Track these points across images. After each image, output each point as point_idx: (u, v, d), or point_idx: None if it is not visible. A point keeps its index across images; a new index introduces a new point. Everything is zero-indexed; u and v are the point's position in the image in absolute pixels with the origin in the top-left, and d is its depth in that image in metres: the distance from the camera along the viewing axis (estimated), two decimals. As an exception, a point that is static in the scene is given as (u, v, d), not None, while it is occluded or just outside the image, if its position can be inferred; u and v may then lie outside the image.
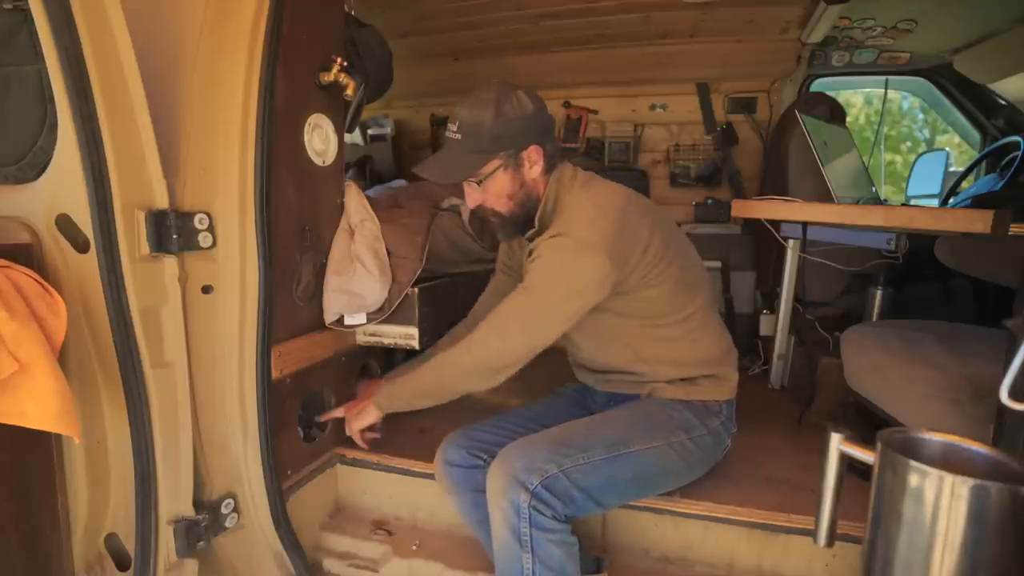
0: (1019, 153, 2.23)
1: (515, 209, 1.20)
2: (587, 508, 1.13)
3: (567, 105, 2.93)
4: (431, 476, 1.34)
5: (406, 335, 1.57)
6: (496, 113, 1.12)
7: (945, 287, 2.21)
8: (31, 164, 1.02)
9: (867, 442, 0.71)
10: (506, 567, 1.08)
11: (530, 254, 1.21)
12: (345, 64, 1.40)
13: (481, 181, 1.17)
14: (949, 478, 0.60)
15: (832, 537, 0.77)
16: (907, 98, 5.40)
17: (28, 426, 0.84)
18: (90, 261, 0.96)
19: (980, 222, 1.06)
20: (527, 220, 1.23)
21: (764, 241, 2.28)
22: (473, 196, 1.20)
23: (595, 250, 1.10)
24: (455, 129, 1.15)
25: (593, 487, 1.09)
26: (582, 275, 1.11)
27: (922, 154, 3.00)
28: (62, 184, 0.95)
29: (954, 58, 2.56)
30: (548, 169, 1.20)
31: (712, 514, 1.28)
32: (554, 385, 1.48)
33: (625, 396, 1.29)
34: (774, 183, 2.35)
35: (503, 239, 1.30)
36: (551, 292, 1.13)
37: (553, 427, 1.19)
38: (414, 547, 1.42)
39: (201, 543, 1.15)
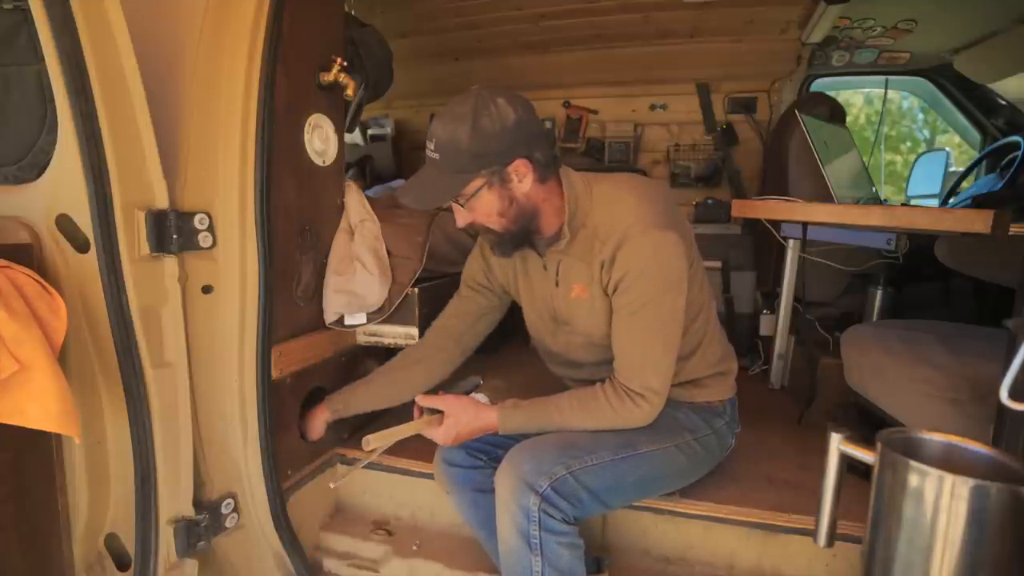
0: (1019, 153, 2.22)
1: (509, 226, 1.11)
2: (593, 509, 1.12)
3: (567, 105, 2.93)
4: (431, 476, 1.33)
5: (406, 335, 1.57)
6: (472, 128, 0.99)
7: (945, 287, 2.20)
8: (31, 164, 1.02)
9: (867, 442, 0.71)
10: (514, 570, 1.06)
11: (556, 271, 1.17)
12: (345, 64, 1.40)
13: (466, 202, 1.08)
14: (949, 478, 0.60)
15: (832, 537, 0.77)
16: (907, 98, 5.40)
17: (28, 426, 0.84)
18: (90, 261, 0.96)
19: (980, 222, 1.06)
20: (526, 234, 1.14)
21: (764, 241, 2.28)
22: (461, 215, 1.10)
23: (664, 229, 1.06)
24: (432, 147, 1.04)
25: (601, 488, 1.09)
26: (671, 264, 1.07)
27: (922, 154, 3.00)
28: (62, 184, 0.95)
29: (954, 58, 2.56)
30: (542, 179, 1.09)
31: (712, 514, 1.28)
32: (548, 384, 1.47)
33: None
34: (774, 183, 2.35)
35: (501, 255, 1.20)
36: (665, 299, 1.08)
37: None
38: (414, 547, 1.42)
39: (201, 543, 1.15)
